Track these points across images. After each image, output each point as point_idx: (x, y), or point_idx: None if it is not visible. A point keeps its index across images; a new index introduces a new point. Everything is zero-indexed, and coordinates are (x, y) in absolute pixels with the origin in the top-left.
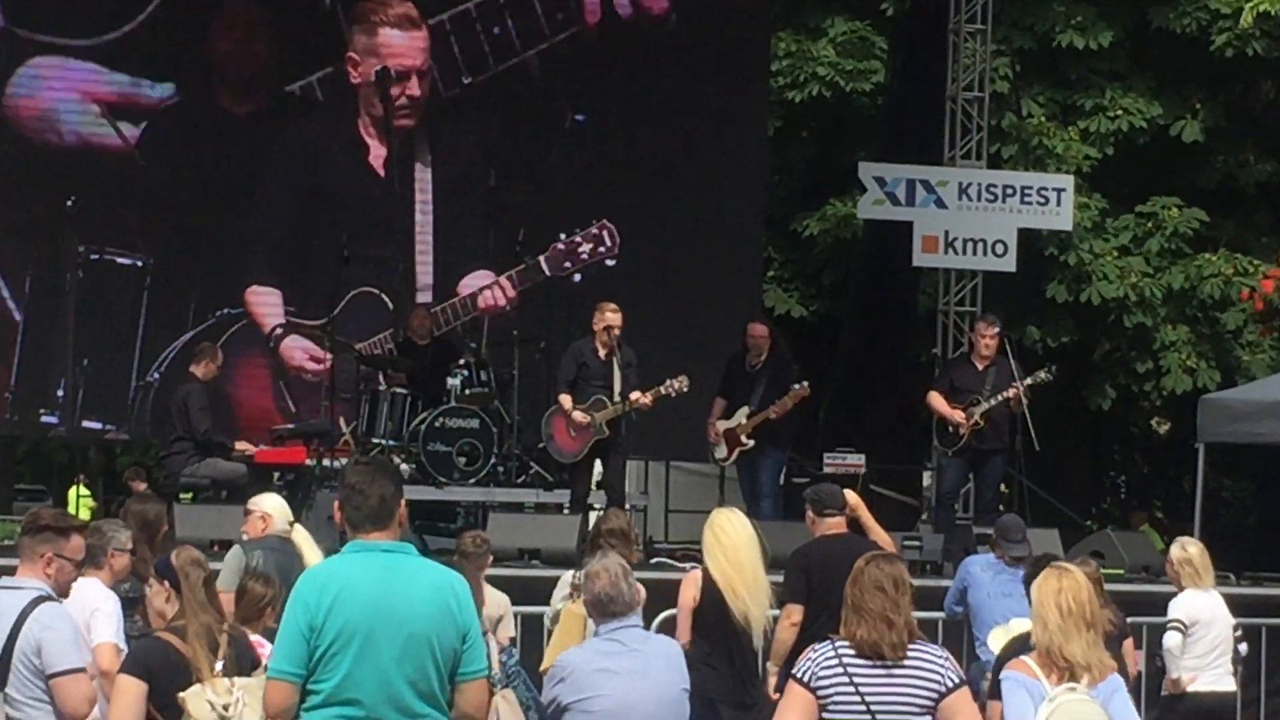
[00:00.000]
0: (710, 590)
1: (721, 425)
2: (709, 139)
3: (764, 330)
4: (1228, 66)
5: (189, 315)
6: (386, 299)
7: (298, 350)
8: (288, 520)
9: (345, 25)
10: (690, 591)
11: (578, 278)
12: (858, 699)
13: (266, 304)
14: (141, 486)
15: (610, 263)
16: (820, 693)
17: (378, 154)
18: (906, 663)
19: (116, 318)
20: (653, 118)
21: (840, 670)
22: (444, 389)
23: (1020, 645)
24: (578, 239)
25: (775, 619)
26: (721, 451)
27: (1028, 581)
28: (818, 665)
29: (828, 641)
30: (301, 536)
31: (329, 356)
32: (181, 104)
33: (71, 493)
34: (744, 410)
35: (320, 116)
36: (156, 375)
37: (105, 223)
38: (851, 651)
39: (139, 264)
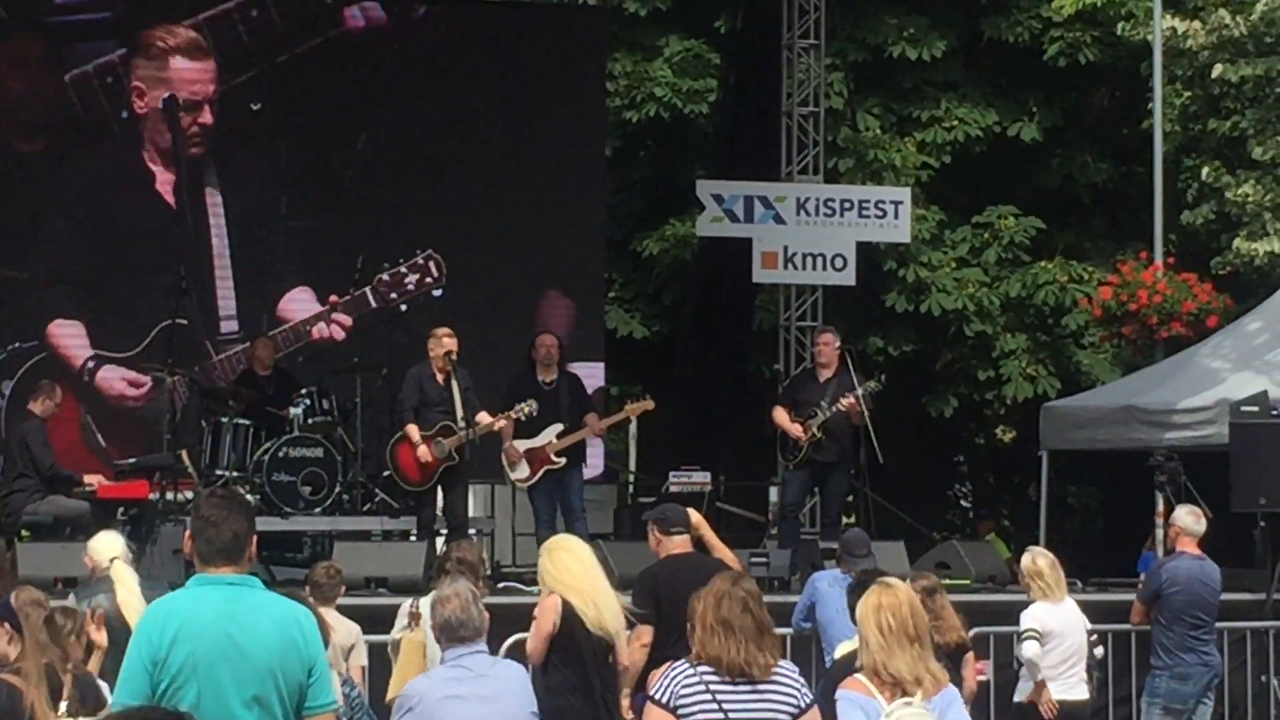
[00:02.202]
0: (569, 616)
1: (522, 445)
2: (548, 161)
3: (556, 340)
4: (1061, 74)
5: None
6: (188, 326)
7: (116, 380)
8: (107, 558)
9: (130, 55)
10: (550, 618)
11: (404, 307)
12: (721, 717)
13: (72, 338)
14: None
15: (437, 293)
16: (681, 712)
17: (164, 181)
18: (768, 681)
19: None
20: (491, 140)
21: (703, 689)
22: (286, 419)
23: (846, 665)
24: (402, 269)
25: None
26: (523, 471)
27: (850, 601)
28: (679, 685)
29: (684, 662)
30: (118, 572)
31: (148, 382)
32: None
33: None
34: (554, 428)
35: (108, 148)
36: None
37: None
38: (711, 671)
39: None
